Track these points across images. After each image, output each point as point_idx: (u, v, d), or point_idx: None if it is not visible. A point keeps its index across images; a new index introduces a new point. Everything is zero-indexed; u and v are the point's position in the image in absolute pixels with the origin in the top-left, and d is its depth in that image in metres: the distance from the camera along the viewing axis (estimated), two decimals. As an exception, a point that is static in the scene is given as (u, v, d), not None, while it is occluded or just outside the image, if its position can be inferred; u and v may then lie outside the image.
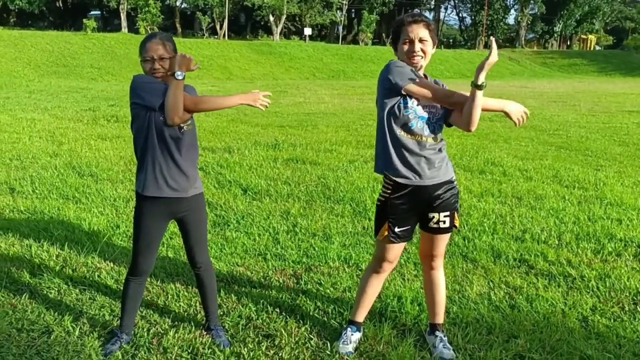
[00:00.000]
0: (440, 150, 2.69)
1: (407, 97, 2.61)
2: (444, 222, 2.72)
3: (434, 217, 2.72)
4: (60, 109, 12.73)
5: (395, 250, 2.78)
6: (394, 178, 2.65)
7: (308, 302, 3.35)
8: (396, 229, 2.70)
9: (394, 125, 2.63)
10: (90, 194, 5.63)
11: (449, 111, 2.69)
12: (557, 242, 4.43)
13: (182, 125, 2.61)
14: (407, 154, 2.62)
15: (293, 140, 9.00)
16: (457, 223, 2.79)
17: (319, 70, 37.67)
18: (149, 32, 36.61)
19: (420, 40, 2.60)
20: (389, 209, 2.69)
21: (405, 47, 2.61)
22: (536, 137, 10.10)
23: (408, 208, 2.68)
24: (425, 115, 2.63)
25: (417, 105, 2.62)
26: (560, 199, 5.67)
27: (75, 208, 5.16)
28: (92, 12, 52.57)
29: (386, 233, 2.71)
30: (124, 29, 42.03)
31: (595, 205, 5.43)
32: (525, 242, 4.41)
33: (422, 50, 2.62)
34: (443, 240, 2.80)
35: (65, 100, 15.00)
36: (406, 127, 2.61)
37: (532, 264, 3.97)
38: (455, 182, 2.76)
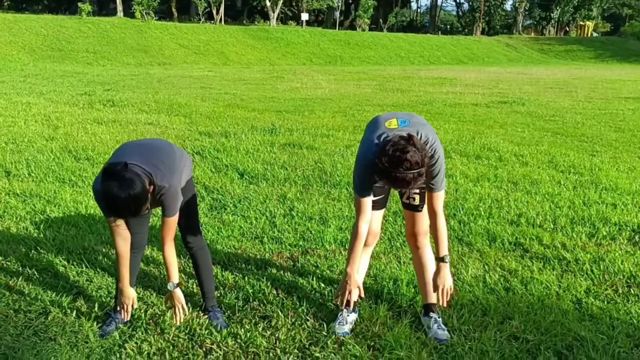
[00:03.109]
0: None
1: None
2: (414, 199, 2.85)
3: (405, 191, 2.84)
4: (56, 93, 12.65)
5: (373, 219, 2.84)
6: None
7: (305, 284, 3.37)
8: (372, 197, 2.76)
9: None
10: (87, 177, 5.62)
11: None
12: (552, 226, 4.46)
13: None
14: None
15: (290, 125, 8.98)
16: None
17: (316, 55, 37.47)
18: (144, 16, 36.32)
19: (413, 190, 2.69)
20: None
21: (395, 189, 2.66)
22: (532, 123, 10.10)
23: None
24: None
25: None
26: (556, 183, 5.69)
27: (71, 191, 5.16)
28: (86, -4, 51.95)
29: None
30: (119, 13, 41.58)
31: (590, 190, 5.45)
32: (521, 226, 4.44)
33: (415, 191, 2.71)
34: (420, 218, 2.88)
35: (61, 85, 14.90)
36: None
37: (527, 248, 4.00)
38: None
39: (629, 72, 30.09)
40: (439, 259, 2.72)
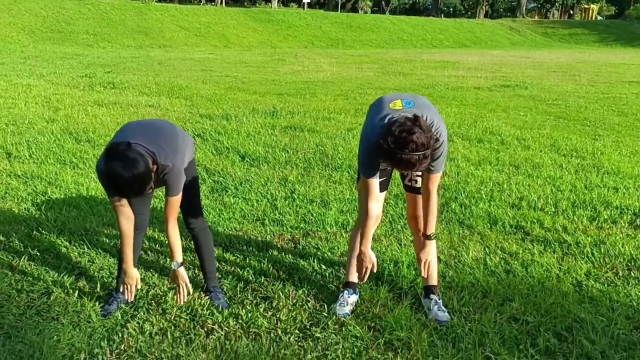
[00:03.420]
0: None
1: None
2: (416, 181, 2.84)
3: (407, 174, 2.85)
4: (56, 75, 12.59)
5: (376, 199, 2.82)
6: None
7: (306, 266, 3.38)
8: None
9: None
10: (88, 159, 5.62)
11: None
12: (553, 209, 4.45)
13: None
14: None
15: (291, 108, 8.94)
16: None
17: (318, 38, 37.20)
18: (145, -2, 35.94)
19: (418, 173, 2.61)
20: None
21: (398, 171, 2.64)
22: (535, 106, 10.05)
23: (384, 164, 2.73)
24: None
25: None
26: (558, 167, 5.68)
27: (72, 173, 5.16)
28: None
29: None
30: (119, -5, 41.22)
31: (592, 173, 5.44)
32: (522, 209, 4.44)
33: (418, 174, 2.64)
34: (421, 201, 2.85)
35: (61, 67, 14.83)
36: None
37: (528, 231, 4.00)
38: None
39: (633, 56, 29.87)
40: (426, 236, 2.78)
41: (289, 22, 38.67)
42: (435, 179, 2.69)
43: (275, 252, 3.57)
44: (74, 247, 3.56)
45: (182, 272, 2.75)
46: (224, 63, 18.63)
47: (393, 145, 2.32)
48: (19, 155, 5.68)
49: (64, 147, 6.04)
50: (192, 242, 3.05)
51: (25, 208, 4.24)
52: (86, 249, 3.54)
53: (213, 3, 45.25)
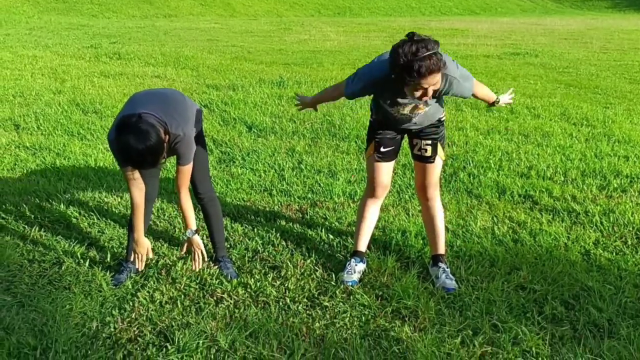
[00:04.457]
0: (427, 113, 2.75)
1: (386, 102, 2.68)
2: (426, 150, 2.83)
3: (417, 143, 2.86)
4: (62, 46, 12.51)
5: (382, 171, 2.89)
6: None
7: (313, 235, 3.40)
8: (381, 149, 2.85)
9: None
10: (95, 130, 5.62)
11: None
12: (562, 178, 4.42)
13: None
14: (387, 117, 2.77)
15: (298, 78, 8.86)
16: (442, 156, 2.87)
17: (325, 6, 36.58)
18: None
19: (433, 85, 2.44)
20: (377, 127, 2.85)
21: (417, 94, 2.44)
22: (545, 75, 9.90)
23: (392, 133, 2.85)
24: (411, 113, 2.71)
25: (396, 113, 2.69)
26: (568, 136, 5.62)
27: (80, 144, 5.17)
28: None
29: (372, 152, 2.87)
30: (123, -37, 40.62)
31: (602, 142, 5.38)
32: (531, 178, 4.41)
33: (432, 96, 2.47)
34: (431, 170, 2.87)
35: (66, 38, 14.72)
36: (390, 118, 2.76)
37: (536, 200, 3.98)
38: (442, 120, 2.87)
39: (647, 22, 29.17)
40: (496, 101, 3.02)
41: (296, -10, 38.00)
42: (478, 86, 2.79)
43: (283, 222, 3.59)
44: (84, 218, 3.59)
45: (197, 239, 2.77)
46: (229, 32, 18.42)
47: (408, 57, 2.28)
48: (27, 127, 5.69)
49: (71, 118, 6.04)
50: (201, 212, 3.06)
51: (34, 179, 4.27)
52: (95, 219, 3.57)
53: (218, -29, 44.46)
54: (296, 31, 19.51)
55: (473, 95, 2.76)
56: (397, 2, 39.90)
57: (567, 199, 4.00)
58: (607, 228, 3.53)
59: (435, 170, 2.88)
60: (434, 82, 2.38)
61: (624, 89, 8.47)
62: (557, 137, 5.54)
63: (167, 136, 2.47)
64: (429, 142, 2.82)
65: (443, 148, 2.89)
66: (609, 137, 5.55)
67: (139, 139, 2.29)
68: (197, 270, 2.86)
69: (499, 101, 3.01)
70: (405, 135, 2.92)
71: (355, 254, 2.99)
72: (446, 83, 2.54)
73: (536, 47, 14.60)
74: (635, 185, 4.26)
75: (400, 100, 2.62)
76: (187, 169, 2.65)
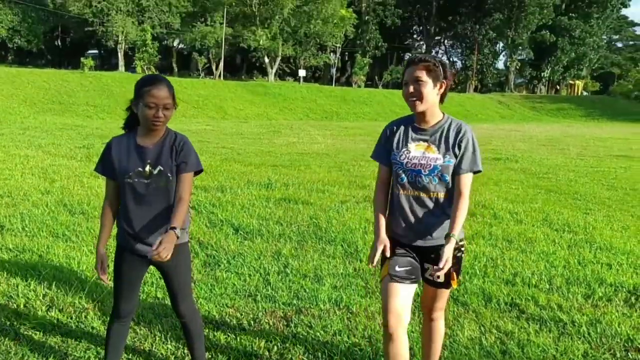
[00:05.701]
0: (437, 207, 2.55)
1: (395, 149, 2.61)
2: (438, 277, 2.49)
3: (428, 267, 2.61)
4: (54, 146, 12.76)
5: (397, 296, 2.50)
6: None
7: (298, 345, 3.31)
8: (397, 268, 2.55)
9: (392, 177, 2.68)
10: (81, 232, 5.60)
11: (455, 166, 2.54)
12: (547, 286, 4.43)
13: (150, 180, 2.59)
14: (397, 212, 2.61)
15: (286, 179, 9.04)
16: (454, 283, 2.61)
17: (313, 111, 38.12)
18: (146, 71, 37.14)
19: (416, 81, 2.46)
20: (391, 247, 2.57)
21: (403, 90, 2.53)
22: (526, 180, 10.21)
23: (405, 250, 2.61)
24: (415, 168, 2.54)
25: (404, 157, 2.56)
26: (551, 242, 5.70)
27: (64, 246, 5.12)
28: (90, 52, 53.38)
29: (386, 272, 2.57)
30: (121, 68, 42.59)
31: (585, 249, 5.46)
32: (516, 285, 4.41)
33: (417, 91, 2.46)
34: (441, 294, 2.70)
35: (60, 137, 15.05)
36: (398, 180, 2.60)
37: (523, 308, 3.96)
38: (460, 247, 2.58)
39: (619, 130, 30.67)
40: (447, 235, 2.49)
41: (285, 95, 39.75)
42: (466, 180, 2.51)
43: (267, 331, 3.51)
44: (61, 325, 3.48)
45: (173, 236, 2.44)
46: (220, 134, 18.97)
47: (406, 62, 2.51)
48: (12, 228, 5.66)
49: (57, 219, 6.03)
50: (182, 329, 2.90)
51: (14, 283, 4.17)
52: (74, 327, 3.47)
53: (212, 76, 46.68)
54: (285, 134, 20.16)
55: (460, 177, 2.51)
56: (382, 108, 41.72)
57: (554, 307, 3.98)
58: (595, 339, 3.49)
59: (444, 294, 2.72)
60: (414, 73, 2.46)
61: (603, 195, 8.72)
62: (540, 243, 5.61)
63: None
64: (443, 268, 2.46)
65: (458, 276, 2.63)
66: (590, 244, 5.64)
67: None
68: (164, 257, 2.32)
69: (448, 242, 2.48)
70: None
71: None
72: (453, 123, 2.54)
73: (516, 153, 15.17)
74: (620, 294, 4.27)
75: (411, 134, 2.57)
76: (191, 178, 2.62)
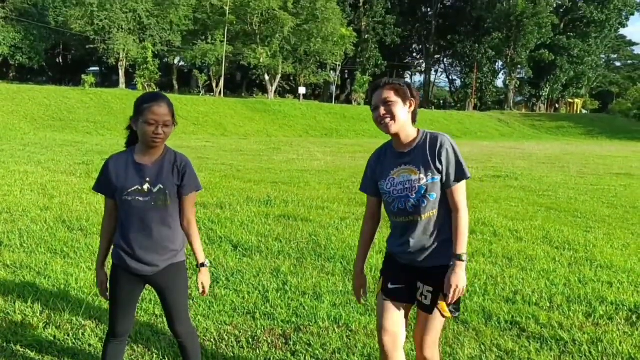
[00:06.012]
0: (433, 227, 2.50)
1: (380, 179, 2.61)
2: (426, 297, 2.47)
3: (419, 287, 2.53)
4: (54, 162, 12.77)
5: (389, 314, 2.51)
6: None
7: (296, 363, 3.28)
8: (389, 285, 2.55)
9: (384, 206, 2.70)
10: (79, 248, 5.57)
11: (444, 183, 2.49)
12: (548, 304, 4.40)
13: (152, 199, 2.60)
14: (394, 234, 2.64)
15: (285, 196, 9.03)
16: (442, 310, 2.48)
17: (312, 128, 38.26)
18: (146, 88, 37.36)
19: (385, 103, 2.45)
20: (387, 262, 2.69)
21: (373, 115, 2.51)
22: (526, 197, 10.20)
23: (401, 266, 2.60)
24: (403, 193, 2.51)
25: (390, 186, 2.54)
26: (551, 260, 5.67)
27: (62, 263, 5.10)
28: (91, 69, 53.74)
29: (380, 288, 2.63)
30: (122, 85, 42.84)
31: (585, 267, 5.43)
32: (517, 303, 4.38)
33: (389, 112, 2.45)
34: (431, 325, 2.51)
35: (59, 154, 15.07)
36: (390, 208, 2.59)
37: (523, 327, 3.93)
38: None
39: (619, 148, 30.76)
40: (456, 256, 2.43)
41: (285, 112, 39.94)
42: (458, 191, 2.47)
43: (266, 349, 3.47)
44: (58, 342, 3.45)
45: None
46: (220, 151, 19.01)
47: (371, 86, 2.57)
48: (10, 244, 5.63)
49: (56, 235, 6.01)
50: (179, 347, 2.85)
51: (11, 300, 4.15)
52: (70, 344, 3.44)
53: (212, 94, 46.93)
54: (285, 151, 20.21)
55: (451, 190, 2.47)
56: (381, 125, 41.85)
57: (554, 326, 3.95)
58: (596, 358, 3.46)
59: (434, 324, 2.52)
60: (382, 96, 2.47)
61: (603, 213, 8.71)
62: (540, 261, 5.59)
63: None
64: (431, 288, 2.47)
65: (448, 304, 2.46)
66: (591, 262, 5.61)
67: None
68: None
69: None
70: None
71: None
72: (429, 137, 2.50)
73: (516, 171, 15.19)
74: (621, 313, 4.24)
75: (392, 161, 2.55)
76: (194, 197, 2.70)
